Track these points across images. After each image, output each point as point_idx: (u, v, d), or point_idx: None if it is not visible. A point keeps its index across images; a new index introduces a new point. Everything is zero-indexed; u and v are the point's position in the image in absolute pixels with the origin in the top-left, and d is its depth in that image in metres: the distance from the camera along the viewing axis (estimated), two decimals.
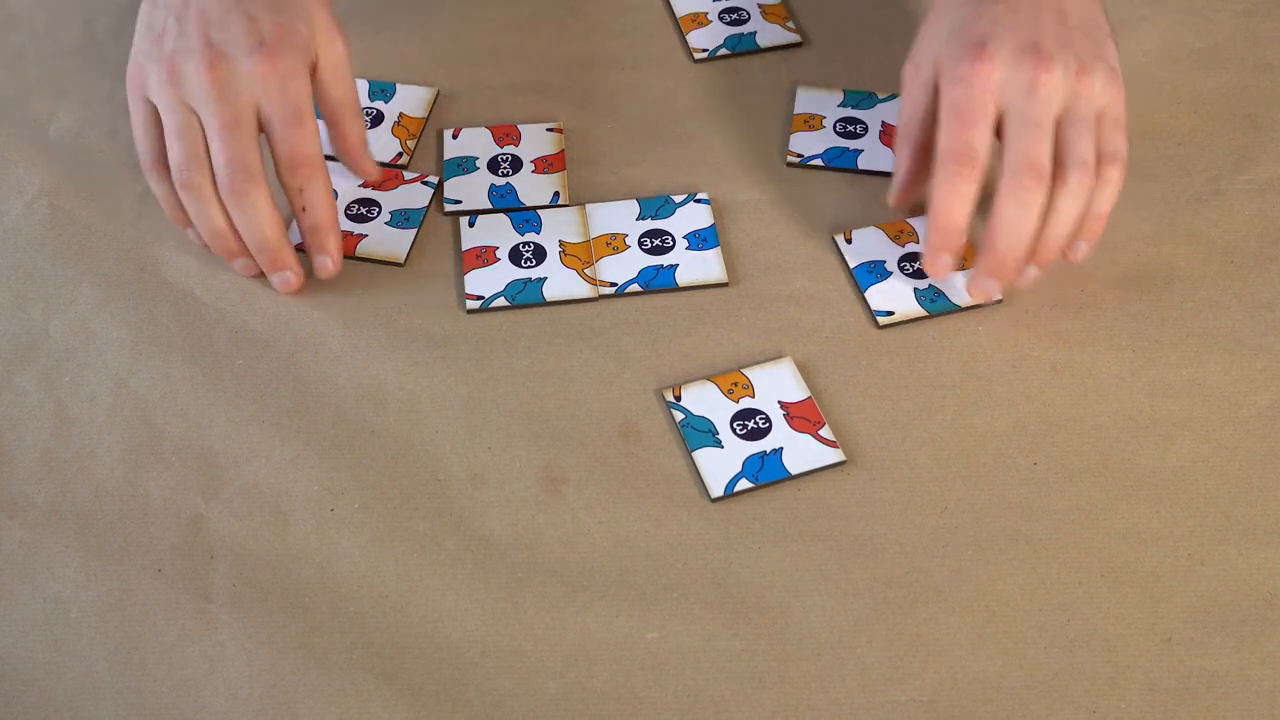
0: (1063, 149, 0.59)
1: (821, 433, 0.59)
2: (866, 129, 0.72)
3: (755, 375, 0.62)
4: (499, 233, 0.68)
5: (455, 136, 0.73)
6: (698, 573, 0.55)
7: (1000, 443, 0.60)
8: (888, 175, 0.69)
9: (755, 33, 0.79)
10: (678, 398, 0.61)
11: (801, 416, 0.60)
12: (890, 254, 0.66)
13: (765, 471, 0.58)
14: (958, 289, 0.64)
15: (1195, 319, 0.64)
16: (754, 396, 0.61)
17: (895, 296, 0.65)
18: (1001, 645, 0.53)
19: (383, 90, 0.75)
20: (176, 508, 0.58)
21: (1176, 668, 0.52)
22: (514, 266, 0.67)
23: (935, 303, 0.64)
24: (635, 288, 0.66)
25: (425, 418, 0.61)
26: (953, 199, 0.60)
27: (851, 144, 0.72)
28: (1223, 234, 0.68)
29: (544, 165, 0.71)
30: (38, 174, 0.71)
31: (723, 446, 0.59)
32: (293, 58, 0.61)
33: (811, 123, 0.73)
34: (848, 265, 0.66)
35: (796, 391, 0.61)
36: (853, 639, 0.53)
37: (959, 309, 0.64)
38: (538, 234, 0.68)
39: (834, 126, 0.73)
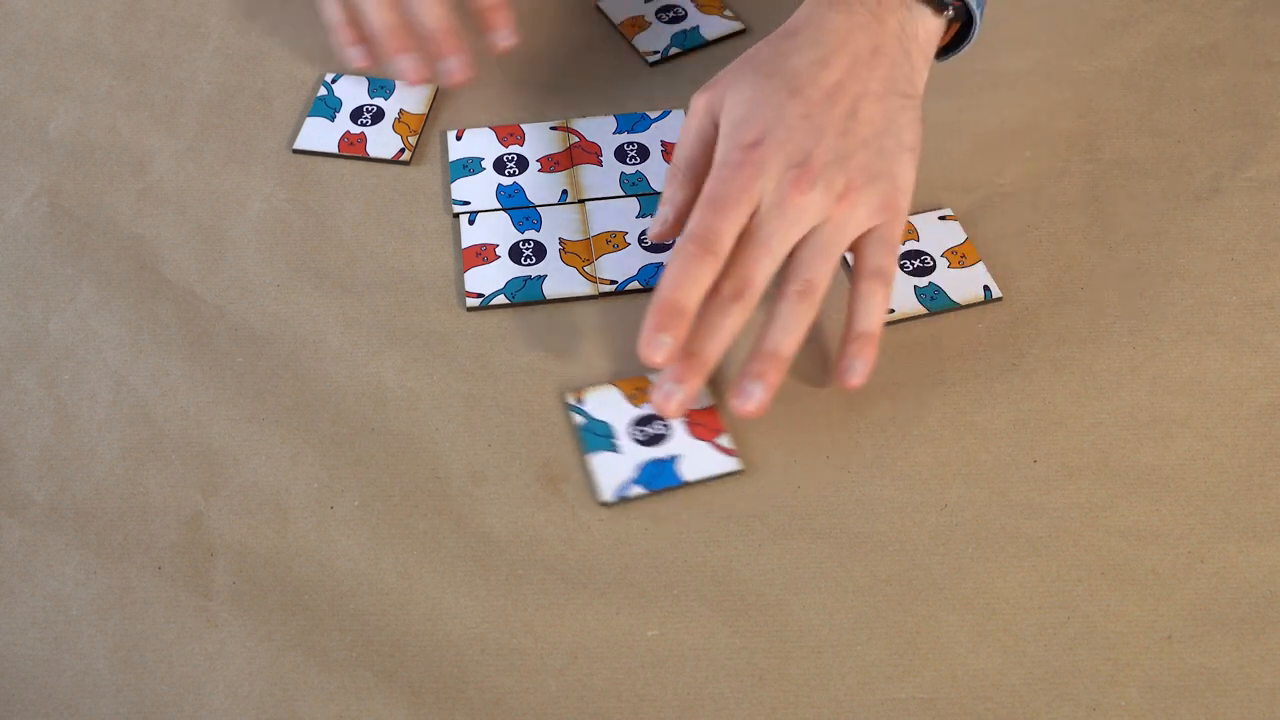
0: (789, 269, 0.58)
1: (720, 441, 0.59)
2: None
3: None
4: (499, 230, 0.68)
5: (459, 138, 0.73)
6: (698, 570, 0.55)
7: (1000, 440, 0.60)
8: None
9: (698, 26, 0.79)
10: (579, 401, 0.61)
11: (702, 424, 0.59)
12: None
13: (660, 478, 0.58)
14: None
15: (1195, 316, 0.64)
16: None
17: (895, 294, 0.64)
18: (1001, 643, 0.53)
19: (382, 87, 0.75)
20: (176, 505, 0.58)
21: (1176, 665, 0.52)
22: (514, 264, 0.67)
23: (935, 301, 0.64)
24: (635, 285, 0.66)
25: (425, 415, 0.61)
26: (683, 278, 0.56)
27: None
28: (1223, 231, 0.68)
29: (550, 164, 0.71)
30: (37, 172, 0.72)
31: (619, 452, 0.59)
32: None
33: None
34: (848, 264, 0.66)
35: (700, 399, 0.61)
36: (852, 636, 0.53)
37: (959, 306, 0.64)
38: (538, 232, 0.68)
39: None
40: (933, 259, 0.66)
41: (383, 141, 0.73)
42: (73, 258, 0.67)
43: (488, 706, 0.52)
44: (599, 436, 0.59)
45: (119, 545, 0.56)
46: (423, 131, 0.73)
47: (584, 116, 0.74)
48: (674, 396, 0.57)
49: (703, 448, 0.59)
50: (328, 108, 0.74)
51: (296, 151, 0.72)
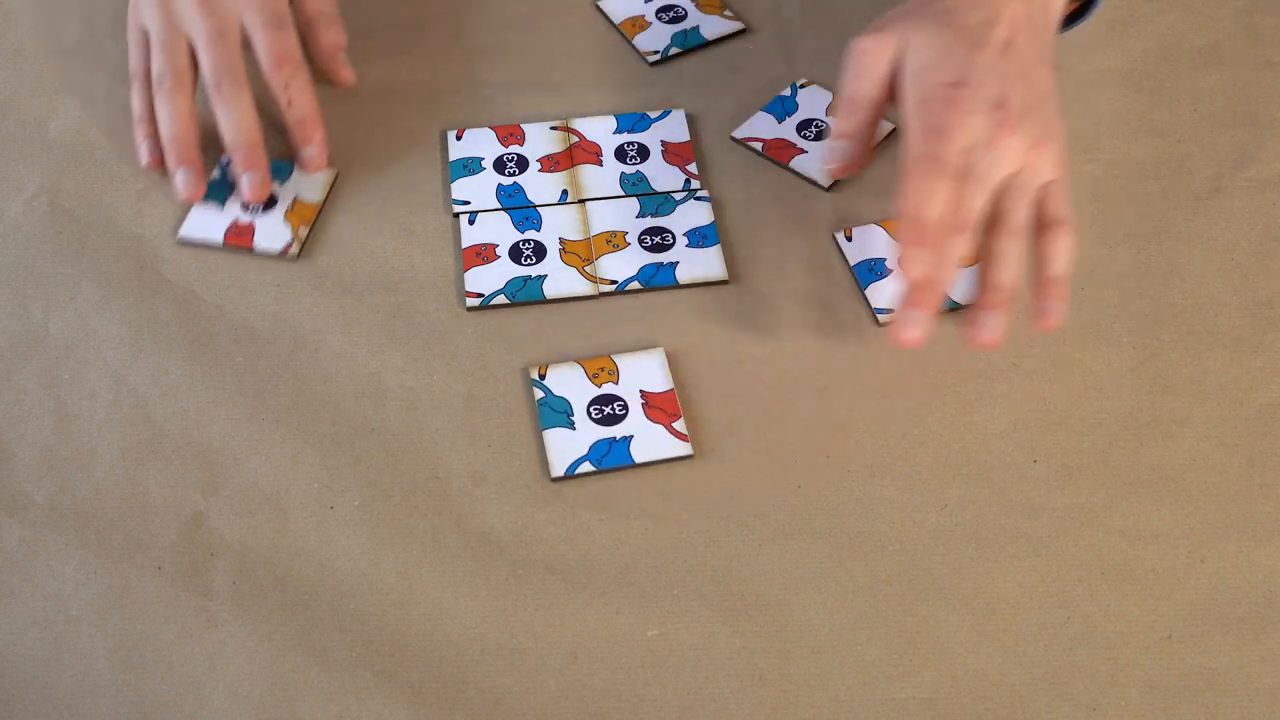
0: (1000, 210, 0.60)
1: (675, 425, 0.60)
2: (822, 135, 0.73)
3: (624, 362, 0.62)
4: (499, 230, 0.68)
5: (459, 138, 0.73)
6: (698, 570, 0.55)
7: (1000, 440, 0.60)
8: (810, 182, 0.70)
9: (698, 26, 0.79)
10: (542, 376, 0.61)
11: (659, 407, 0.60)
12: (891, 252, 0.66)
13: (610, 457, 0.59)
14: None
15: (1195, 316, 0.64)
16: (617, 383, 0.61)
17: (895, 294, 0.64)
18: (1001, 643, 0.53)
19: (277, 172, 0.70)
20: (176, 505, 0.58)
21: (1176, 665, 0.52)
22: (514, 264, 0.67)
23: None
24: (635, 285, 0.66)
25: (425, 415, 0.61)
26: (926, 194, 0.58)
27: (802, 143, 0.72)
28: (1223, 231, 0.68)
29: (550, 164, 0.71)
30: (37, 172, 0.71)
31: (574, 429, 0.60)
32: None
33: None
34: (848, 263, 0.66)
35: (661, 382, 0.61)
36: (852, 636, 0.53)
37: (959, 306, 0.64)
38: (538, 231, 0.68)
39: (797, 124, 0.73)
40: None
41: (271, 232, 0.67)
42: (73, 257, 0.67)
43: (488, 706, 0.52)
44: (556, 412, 0.60)
45: (119, 545, 0.56)
46: (316, 221, 0.68)
47: (584, 116, 0.74)
48: (917, 324, 0.58)
49: (657, 430, 0.59)
50: (219, 191, 0.69)
51: (182, 242, 0.67)
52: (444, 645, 0.53)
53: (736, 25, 0.79)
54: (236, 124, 0.67)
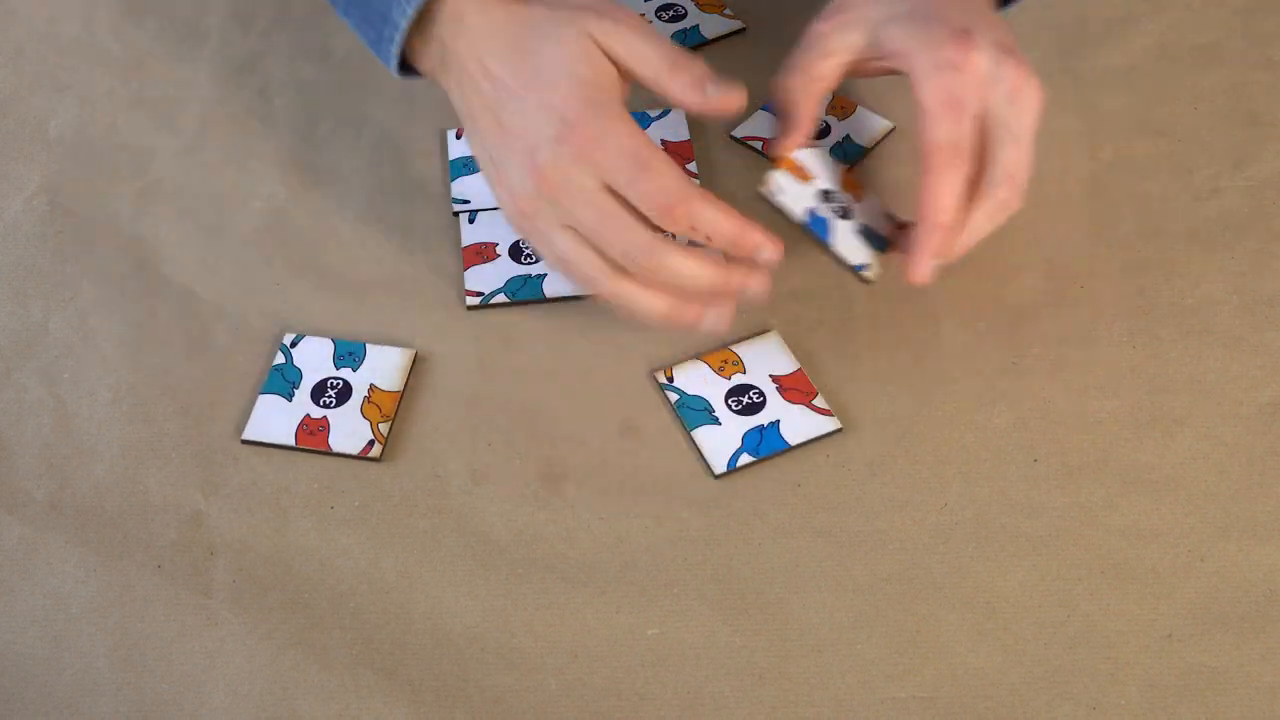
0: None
1: (815, 403, 0.60)
2: (829, 129, 0.73)
3: (744, 351, 0.62)
4: (499, 229, 0.68)
5: (459, 137, 0.73)
6: (698, 569, 0.55)
7: (1000, 439, 0.60)
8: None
9: (698, 26, 0.79)
10: (670, 379, 0.61)
11: (794, 388, 0.60)
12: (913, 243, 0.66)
13: (765, 444, 0.59)
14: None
15: (1195, 316, 0.64)
16: (745, 372, 0.61)
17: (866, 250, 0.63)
18: (1001, 641, 0.53)
19: (351, 354, 0.62)
20: (176, 504, 0.58)
21: (1176, 664, 0.52)
22: (514, 263, 0.67)
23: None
24: None
25: (425, 414, 0.61)
26: (949, 196, 0.57)
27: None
28: (1223, 231, 0.68)
29: None
30: (37, 171, 0.72)
31: (720, 424, 0.59)
32: (595, 116, 0.55)
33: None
34: (847, 262, 0.66)
35: (786, 364, 0.61)
36: (853, 635, 0.53)
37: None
38: None
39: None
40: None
41: (347, 430, 0.59)
42: (73, 256, 0.67)
43: (488, 705, 0.52)
44: (697, 411, 0.60)
45: (119, 543, 0.56)
46: (397, 413, 0.60)
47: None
48: (931, 268, 0.58)
49: (799, 411, 0.60)
50: (285, 381, 0.61)
51: (246, 443, 0.59)
52: (444, 644, 0.53)
53: (736, 25, 0.79)
54: (717, 222, 0.56)
